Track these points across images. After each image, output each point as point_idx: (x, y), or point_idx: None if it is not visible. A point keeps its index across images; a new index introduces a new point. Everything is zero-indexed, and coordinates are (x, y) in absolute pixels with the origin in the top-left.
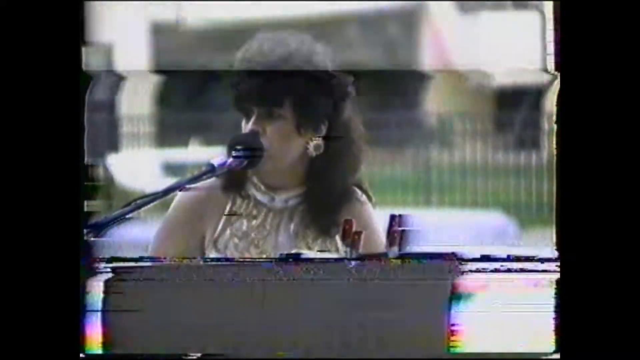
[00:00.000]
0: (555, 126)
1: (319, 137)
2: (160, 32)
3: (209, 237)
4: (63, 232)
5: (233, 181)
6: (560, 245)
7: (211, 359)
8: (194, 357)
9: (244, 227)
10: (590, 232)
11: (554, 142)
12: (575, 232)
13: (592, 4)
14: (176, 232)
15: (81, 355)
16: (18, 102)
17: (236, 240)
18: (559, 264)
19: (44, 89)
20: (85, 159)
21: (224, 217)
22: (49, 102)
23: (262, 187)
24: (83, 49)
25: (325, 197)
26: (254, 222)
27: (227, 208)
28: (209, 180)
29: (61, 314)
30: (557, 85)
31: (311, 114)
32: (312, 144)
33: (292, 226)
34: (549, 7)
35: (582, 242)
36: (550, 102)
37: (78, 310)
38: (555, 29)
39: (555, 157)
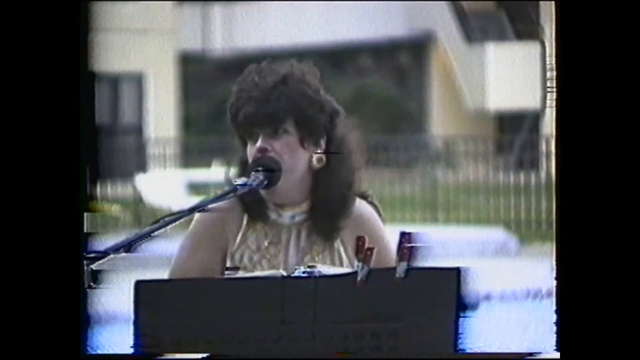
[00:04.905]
0: (554, 147)
1: (320, 150)
2: (187, 61)
3: (229, 250)
4: (63, 233)
5: (250, 200)
6: (559, 257)
7: (212, 359)
8: (198, 358)
9: (258, 242)
10: (588, 246)
11: (554, 162)
12: (573, 246)
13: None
14: (202, 245)
15: (81, 355)
16: (17, 104)
17: (250, 253)
18: (557, 275)
19: (42, 90)
20: (84, 158)
21: (241, 232)
22: (48, 102)
23: (271, 206)
24: (83, 50)
25: (327, 210)
26: (266, 237)
27: (244, 223)
28: (228, 200)
29: (61, 314)
30: (555, 109)
31: (311, 127)
32: (315, 157)
33: (300, 241)
34: (550, 39)
35: (580, 255)
36: (549, 125)
37: (78, 311)
38: (556, 54)
39: (554, 176)
